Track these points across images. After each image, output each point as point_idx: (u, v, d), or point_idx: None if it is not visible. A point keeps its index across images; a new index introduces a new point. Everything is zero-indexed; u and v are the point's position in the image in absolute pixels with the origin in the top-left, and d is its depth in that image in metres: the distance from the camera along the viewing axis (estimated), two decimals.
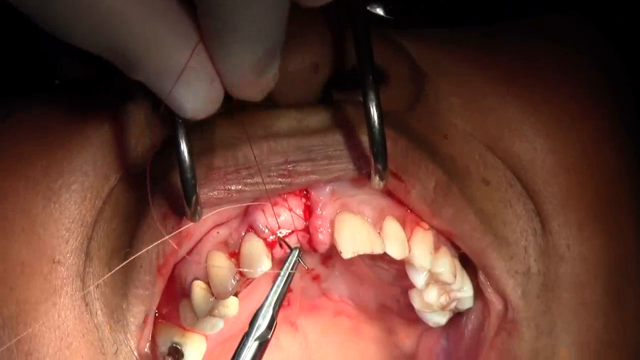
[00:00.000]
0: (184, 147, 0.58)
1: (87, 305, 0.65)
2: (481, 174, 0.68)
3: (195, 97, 0.53)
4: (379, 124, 0.59)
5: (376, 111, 0.59)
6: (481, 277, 0.70)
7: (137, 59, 0.50)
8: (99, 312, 0.65)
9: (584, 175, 0.70)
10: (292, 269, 0.62)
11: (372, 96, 0.59)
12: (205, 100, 0.53)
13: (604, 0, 0.82)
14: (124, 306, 0.66)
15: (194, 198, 0.59)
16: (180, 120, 0.58)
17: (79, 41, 0.50)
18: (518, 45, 0.72)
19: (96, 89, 0.70)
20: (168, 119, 0.66)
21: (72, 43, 0.50)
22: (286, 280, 0.62)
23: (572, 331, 0.69)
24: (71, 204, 0.66)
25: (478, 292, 0.71)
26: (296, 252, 0.63)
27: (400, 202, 0.68)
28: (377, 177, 0.61)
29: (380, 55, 0.63)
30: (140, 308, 0.66)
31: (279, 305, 0.61)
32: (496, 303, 0.69)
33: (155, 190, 0.64)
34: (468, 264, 0.71)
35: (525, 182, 0.69)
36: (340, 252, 0.65)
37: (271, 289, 0.61)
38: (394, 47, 0.68)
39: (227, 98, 0.64)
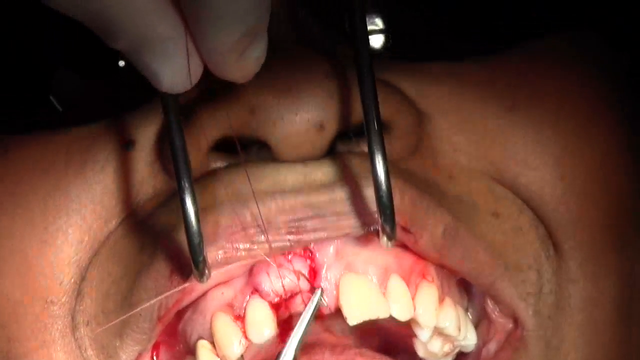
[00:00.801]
0: (190, 208, 0.57)
1: (76, 340, 0.66)
2: (490, 208, 0.68)
3: (173, 69, 0.52)
4: (386, 183, 0.58)
5: (383, 168, 0.58)
6: (489, 302, 0.70)
7: (117, 26, 0.50)
8: (89, 348, 0.66)
9: (593, 197, 0.70)
10: (314, 310, 0.63)
11: (378, 153, 0.58)
12: (183, 74, 0.52)
13: (611, 15, 0.80)
14: (117, 344, 0.66)
15: (201, 261, 0.58)
16: (185, 175, 0.57)
17: (59, 4, 0.49)
18: (519, 72, 0.71)
19: (95, 110, 0.69)
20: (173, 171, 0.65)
21: (52, 6, 0.50)
22: (309, 321, 0.63)
23: (581, 348, 0.71)
24: (67, 247, 0.67)
25: (484, 315, 0.72)
26: (319, 292, 0.63)
27: (405, 254, 0.68)
28: (385, 238, 0.61)
29: (384, 106, 0.62)
30: (134, 347, 0.67)
31: (300, 346, 0.62)
32: (504, 324, 0.70)
33: (159, 244, 0.64)
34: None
35: (536, 209, 0.69)
36: (346, 318, 0.65)
37: (294, 331, 0.62)
38: (399, 97, 0.66)
39: (231, 151, 0.63)
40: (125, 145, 0.67)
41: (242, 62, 0.53)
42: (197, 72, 0.53)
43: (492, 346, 0.72)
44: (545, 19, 0.74)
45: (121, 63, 0.69)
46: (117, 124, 0.68)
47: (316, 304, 0.64)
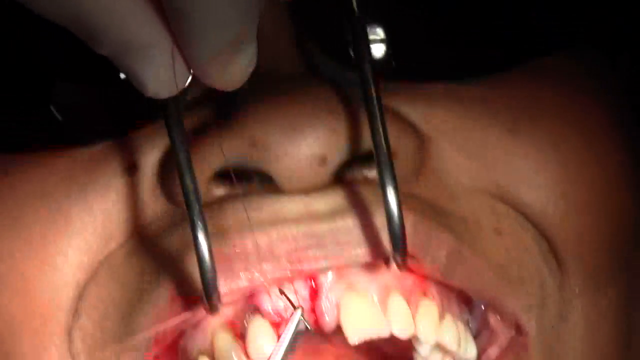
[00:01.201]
0: (202, 240, 0.57)
1: (73, 357, 0.67)
2: (493, 225, 0.69)
3: (157, 75, 0.52)
4: (398, 213, 0.58)
5: (395, 199, 0.58)
6: (491, 314, 0.71)
7: (100, 32, 0.50)
8: None
9: (595, 214, 0.71)
10: (294, 331, 0.63)
11: (390, 188, 0.58)
12: (167, 79, 0.52)
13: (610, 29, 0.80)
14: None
15: (215, 294, 0.59)
16: (197, 211, 0.57)
17: (41, 9, 0.49)
18: (520, 93, 0.71)
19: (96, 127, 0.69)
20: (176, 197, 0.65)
21: (35, 11, 0.50)
22: (290, 343, 0.62)
23: (583, 358, 0.71)
24: (67, 268, 0.67)
25: (485, 325, 0.72)
26: (298, 313, 0.63)
27: (406, 272, 0.68)
28: (395, 266, 0.61)
29: (389, 133, 0.62)
30: None
31: None
32: (507, 333, 0.71)
33: (161, 270, 0.64)
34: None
35: (538, 226, 0.70)
36: (347, 338, 0.65)
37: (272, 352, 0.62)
38: (401, 123, 0.66)
39: (232, 180, 0.63)
40: (128, 169, 0.67)
41: (229, 70, 0.53)
42: (183, 78, 0.53)
43: (492, 351, 0.72)
44: (545, 38, 0.73)
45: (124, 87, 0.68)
46: (119, 147, 0.68)
47: (296, 324, 0.64)
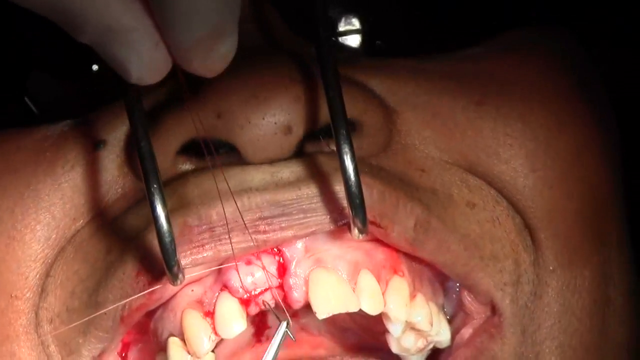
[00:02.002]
0: (160, 212, 0.57)
1: (39, 336, 0.67)
2: (465, 198, 0.69)
3: (139, 60, 0.52)
4: (355, 179, 0.58)
5: (352, 165, 0.58)
6: (465, 293, 0.70)
7: (81, 19, 0.50)
8: (51, 344, 0.67)
9: (567, 188, 0.71)
10: (280, 341, 0.64)
11: (346, 151, 0.58)
12: (150, 64, 0.53)
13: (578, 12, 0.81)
14: (79, 341, 0.67)
15: (175, 264, 0.58)
16: (154, 179, 0.57)
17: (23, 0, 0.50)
18: (487, 66, 0.72)
19: (69, 110, 0.70)
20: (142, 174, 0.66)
21: (17, 2, 0.50)
22: (276, 352, 0.63)
23: (558, 336, 0.71)
24: (34, 244, 0.67)
25: (460, 306, 0.72)
26: (284, 325, 0.64)
27: (376, 250, 0.68)
28: (357, 231, 0.61)
29: (353, 105, 0.63)
30: (97, 345, 0.67)
31: None
32: (481, 312, 0.70)
33: (126, 246, 0.64)
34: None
35: (510, 199, 0.70)
36: (315, 313, 0.65)
37: None
38: (366, 94, 0.66)
39: (199, 154, 0.64)
40: (96, 145, 0.67)
41: (209, 58, 0.53)
42: (165, 62, 0.53)
43: (466, 332, 0.71)
44: (514, 14, 0.74)
45: (94, 67, 0.69)
46: (87, 123, 0.69)
47: (282, 336, 0.64)
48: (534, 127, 0.70)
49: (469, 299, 0.71)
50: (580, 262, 0.71)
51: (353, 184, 0.58)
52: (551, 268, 0.70)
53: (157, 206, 0.57)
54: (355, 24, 0.70)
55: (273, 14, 0.69)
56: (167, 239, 0.57)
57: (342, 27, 0.71)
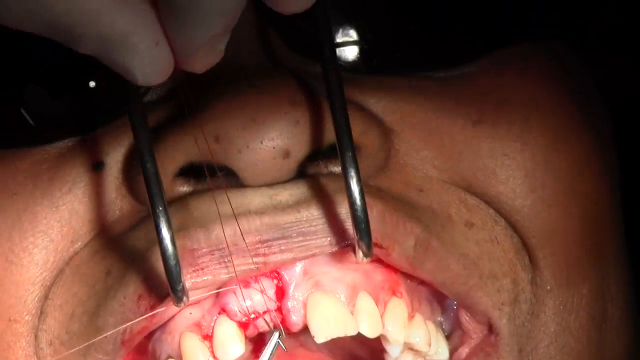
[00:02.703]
0: (165, 232, 0.57)
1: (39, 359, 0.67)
2: (464, 218, 0.69)
3: (142, 61, 0.52)
4: (361, 203, 0.59)
5: (357, 189, 0.59)
6: (463, 312, 0.70)
7: (77, 31, 0.50)
8: None
9: (565, 207, 0.71)
10: (271, 352, 0.63)
11: (352, 175, 0.59)
12: (153, 65, 0.52)
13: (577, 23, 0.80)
14: None
15: (180, 286, 0.58)
16: (159, 201, 0.57)
17: (16, 22, 0.50)
18: (484, 85, 0.71)
19: (66, 130, 0.69)
20: (140, 193, 0.65)
21: (9, 25, 0.50)
22: None
23: (555, 355, 0.71)
24: (32, 267, 0.67)
25: (457, 324, 0.72)
26: (276, 335, 0.63)
27: (375, 271, 0.67)
28: (361, 254, 0.61)
29: (353, 126, 0.62)
30: None
31: None
32: (478, 331, 0.70)
33: (127, 268, 0.64)
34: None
35: (509, 219, 0.70)
36: (314, 337, 0.65)
37: None
38: (366, 116, 0.66)
39: (197, 176, 0.63)
40: (94, 167, 0.67)
41: (210, 55, 0.54)
42: (168, 60, 0.53)
43: (463, 351, 0.71)
44: (511, 30, 0.73)
45: (92, 84, 0.69)
46: (84, 144, 0.68)
47: (274, 345, 0.64)
48: (532, 147, 0.69)
49: (467, 317, 0.71)
50: (578, 281, 0.71)
51: (359, 207, 0.58)
52: (549, 287, 0.70)
53: (162, 228, 0.57)
54: (352, 41, 0.70)
55: (272, 33, 0.69)
56: (172, 262, 0.57)
57: (338, 45, 0.70)
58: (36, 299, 0.66)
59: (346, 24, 0.70)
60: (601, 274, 0.73)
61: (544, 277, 0.70)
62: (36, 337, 0.67)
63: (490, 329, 0.70)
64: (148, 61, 0.52)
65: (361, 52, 0.70)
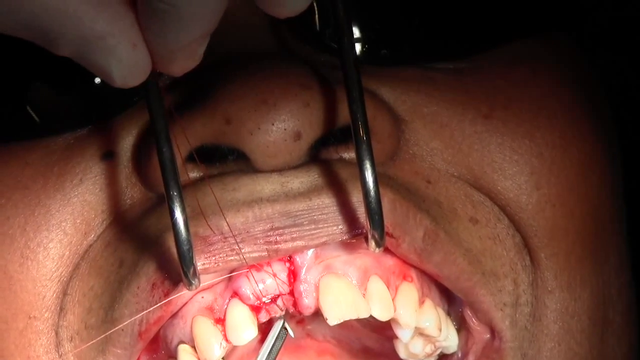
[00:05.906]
0: (179, 216, 0.57)
1: (60, 356, 0.66)
2: (469, 214, 0.69)
3: (120, 63, 0.52)
4: (375, 193, 0.59)
5: (372, 178, 0.59)
6: (468, 311, 0.70)
7: (55, 34, 0.50)
8: None
9: (569, 207, 0.71)
10: (277, 339, 0.63)
11: (367, 167, 0.59)
12: (131, 66, 0.52)
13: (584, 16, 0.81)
14: (99, 359, 0.66)
15: (192, 268, 0.59)
16: (174, 183, 0.57)
17: None
18: (495, 79, 0.72)
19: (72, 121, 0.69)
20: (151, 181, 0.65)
21: None
22: (271, 350, 0.63)
23: (557, 359, 0.71)
24: (49, 262, 0.66)
25: (463, 323, 0.72)
26: (281, 323, 0.63)
27: (386, 256, 0.68)
28: (374, 244, 0.61)
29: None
30: None
31: None
32: (482, 333, 0.71)
33: (140, 258, 0.64)
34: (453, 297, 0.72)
35: (512, 217, 0.70)
36: (326, 319, 0.65)
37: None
38: (377, 102, 0.67)
39: (207, 162, 0.64)
40: (103, 156, 0.67)
41: (189, 59, 0.54)
42: (146, 62, 0.53)
43: (470, 358, 0.72)
44: (519, 22, 0.74)
45: (97, 80, 0.69)
46: (92, 134, 0.68)
47: (279, 332, 0.64)
48: (540, 144, 0.70)
49: (469, 313, 0.71)
50: (579, 284, 0.71)
51: (373, 199, 0.58)
52: (550, 289, 0.70)
53: (176, 211, 0.57)
54: (362, 32, 0.71)
55: (284, 22, 0.69)
56: (186, 246, 0.57)
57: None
58: (54, 295, 0.66)
59: (354, 16, 0.71)
60: (602, 277, 0.73)
61: (545, 279, 0.70)
62: (57, 333, 0.66)
63: (493, 333, 0.70)
64: (126, 63, 0.52)
65: (371, 42, 0.71)
